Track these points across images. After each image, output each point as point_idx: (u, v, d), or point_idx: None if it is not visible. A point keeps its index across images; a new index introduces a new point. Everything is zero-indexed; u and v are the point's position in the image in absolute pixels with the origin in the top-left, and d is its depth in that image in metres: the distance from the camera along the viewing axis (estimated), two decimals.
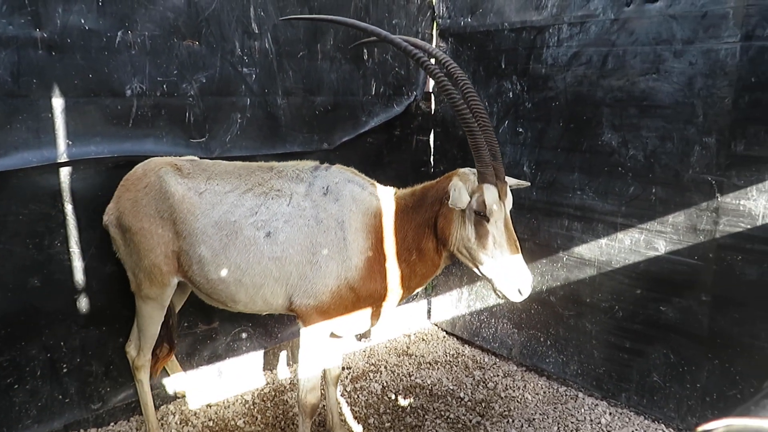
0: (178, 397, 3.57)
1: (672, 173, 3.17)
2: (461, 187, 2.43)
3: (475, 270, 2.55)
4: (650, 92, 3.19)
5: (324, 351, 2.88)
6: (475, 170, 2.52)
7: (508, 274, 2.41)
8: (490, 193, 2.40)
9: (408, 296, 2.89)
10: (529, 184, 2.93)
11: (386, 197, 2.77)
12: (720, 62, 2.92)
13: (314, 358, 2.80)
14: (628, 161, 3.34)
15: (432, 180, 2.77)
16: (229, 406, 3.56)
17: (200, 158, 3.15)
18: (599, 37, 3.38)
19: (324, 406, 3.38)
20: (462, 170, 2.61)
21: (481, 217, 2.42)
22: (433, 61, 2.79)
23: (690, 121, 3.06)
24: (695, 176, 3.08)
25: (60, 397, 3.07)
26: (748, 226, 2.92)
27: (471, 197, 2.43)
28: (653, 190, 3.26)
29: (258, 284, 2.72)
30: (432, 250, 2.66)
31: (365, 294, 2.72)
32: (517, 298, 2.44)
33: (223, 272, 2.72)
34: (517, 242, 2.49)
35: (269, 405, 3.61)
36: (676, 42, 3.07)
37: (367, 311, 2.80)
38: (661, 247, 3.27)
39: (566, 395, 3.79)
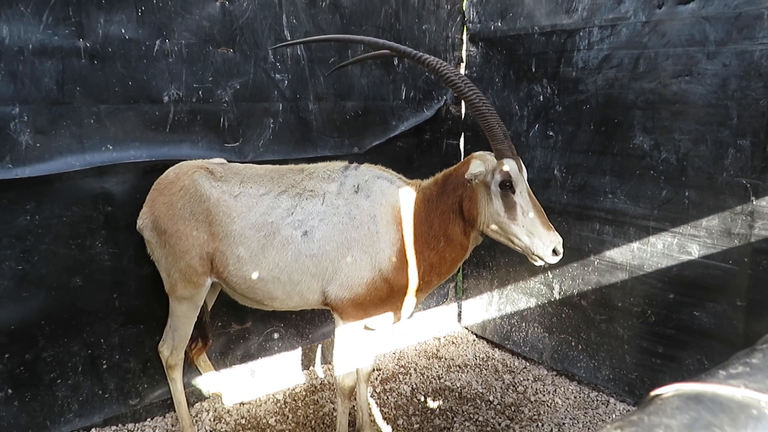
0: (212, 396, 3.66)
1: (705, 176, 3.12)
2: (478, 162, 2.59)
3: (508, 243, 2.65)
4: (683, 94, 3.16)
5: (360, 342, 2.96)
6: (488, 153, 2.69)
7: (541, 238, 2.52)
8: (511, 164, 2.55)
9: (439, 284, 2.98)
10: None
11: (413, 189, 2.88)
12: (755, 63, 2.88)
13: (350, 350, 2.92)
14: (660, 164, 3.30)
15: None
16: (261, 405, 3.64)
17: (228, 162, 3.23)
18: (630, 40, 3.35)
19: (354, 406, 3.43)
20: (478, 152, 2.75)
21: (507, 189, 2.55)
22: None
23: (724, 123, 3.02)
24: (729, 179, 3.03)
25: (100, 392, 3.18)
26: None
27: (494, 173, 2.57)
28: (686, 194, 3.21)
29: (295, 281, 2.82)
30: (459, 234, 2.75)
31: (398, 284, 2.81)
32: (554, 259, 2.55)
33: (262, 271, 2.81)
34: (542, 208, 2.60)
35: (300, 404, 3.68)
36: (710, 43, 3.03)
37: (400, 301, 2.90)
38: (695, 251, 3.22)
39: (597, 400, 3.76)
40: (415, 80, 4.25)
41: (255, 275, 2.83)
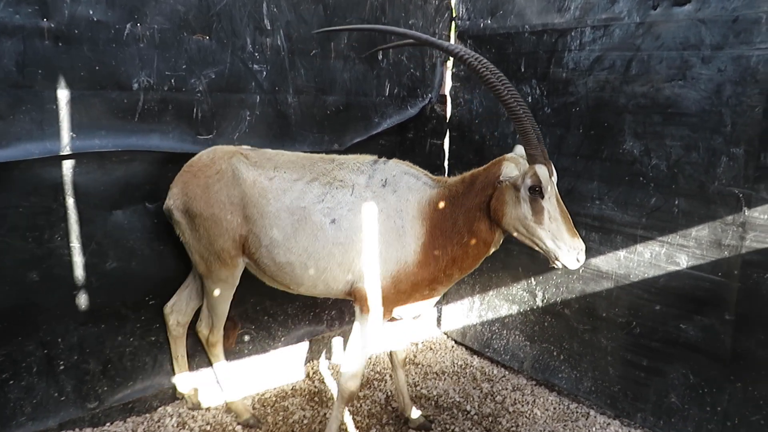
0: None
1: (696, 185, 3.02)
2: (512, 166, 2.62)
3: (533, 245, 2.66)
4: (676, 99, 3.05)
5: (374, 340, 2.97)
6: (518, 155, 2.73)
7: (567, 243, 2.54)
8: (542, 170, 2.54)
9: (461, 278, 3.00)
10: None
11: (438, 186, 2.91)
12: (751, 69, 2.77)
13: (364, 345, 2.94)
14: (650, 171, 3.19)
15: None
16: (228, 410, 3.47)
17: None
18: (623, 41, 3.24)
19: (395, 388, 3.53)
20: (510, 155, 2.79)
21: (536, 194, 2.55)
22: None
23: (717, 130, 2.91)
24: (721, 188, 2.93)
25: (56, 394, 3.00)
26: None
27: (524, 177, 2.57)
28: (676, 202, 3.11)
29: (322, 268, 2.87)
30: (484, 231, 2.78)
31: (422, 277, 2.85)
32: (576, 266, 2.57)
33: (292, 255, 2.87)
34: (568, 215, 2.59)
35: (269, 410, 3.52)
36: (705, 47, 2.92)
37: (424, 293, 2.95)
38: (683, 262, 3.12)
39: (577, 412, 3.64)
40: (399, 76, 4.11)
41: (285, 259, 2.89)
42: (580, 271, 3.60)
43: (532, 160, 2.57)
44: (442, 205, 2.85)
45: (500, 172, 2.62)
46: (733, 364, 2.98)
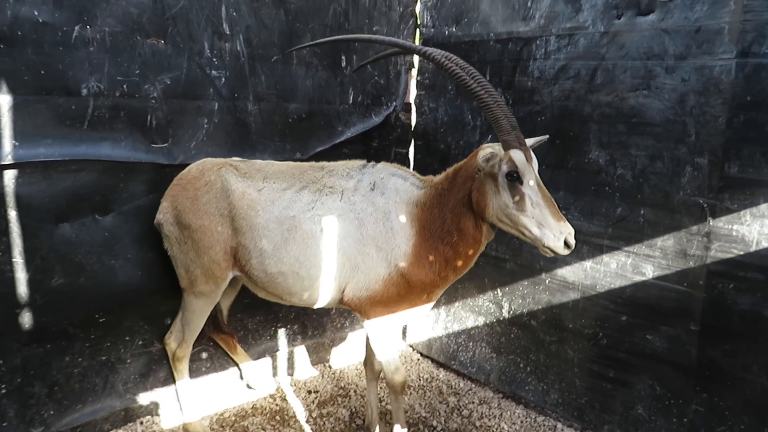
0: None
1: (662, 194, 3.01)
2: (489, 152, 2.54)
3: (520, 235, 2.59)
4: (640, 109, 3.04)
5: (395, 334, 3.00)
6: (496, 144, 2.64)
7: (552, 229, 2.45)
8: (517, 155, 2.49)
9: (456, 279, 2.95)
10: (547, 137, 2.91)
11: (426, 185, 2.89)
12: (714, 79, 2.78)
13: (387, 345, 2.95)
14: (615, 180, 3.17)
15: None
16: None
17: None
18: (588, 50, 3.23)
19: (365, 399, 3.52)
20: (486, 144, 2.73)
21: (514, 179, 2.49)
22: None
23: (681, 140, 2.91)
24: (686, 198, 2.92)
25: None
26: (741, 253, 2.76)
27: (500, 164, 2.52)
28: (641, 212, 3.09)
29: (314, 276, 2.86)
30: (471, 227, 2.72)
31: (415, 280, 2.81)
32: (565, 251, 2.47)
33: (283, 265, 2.87)
34: (553, 200, 2.50)
35: (228, 431, 3.36)
36: (669, 57, 2.92)
37: (421, 296, 2.91)
38: (649, 272, 3.10)
39: (544, 425, 3.59)
40: (363, 84, 4.03)
41: (276, 269, 2.88)
42: (547, 281, 3.57)
43: (506, 146, 2.53)
44: (429, 204, 2.81)
45: (477, 161, 2.58)
46: (698, 374, 2.97)
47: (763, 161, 2.65)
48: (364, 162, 3.03)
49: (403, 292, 2.83)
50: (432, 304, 3.05)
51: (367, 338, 3.17)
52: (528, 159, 2.52)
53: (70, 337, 2.96)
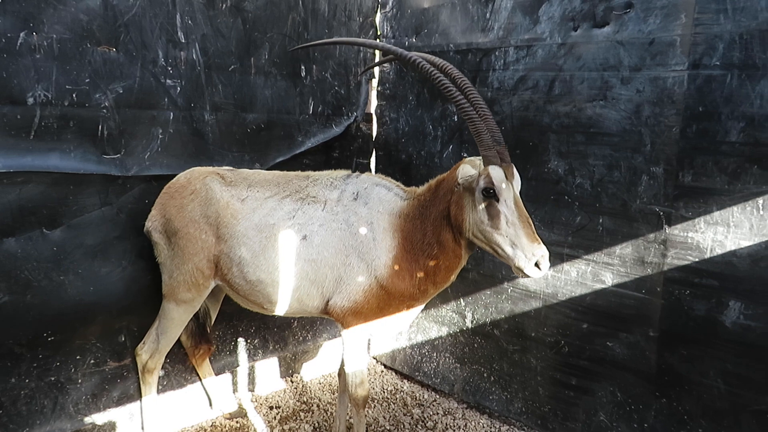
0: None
1: (619, 203, 3.05)
2: (468, 167, 2.55)
3: (494, 253, 2.56)
4: (597, 119, 3.09)
5: (365, 348, 3.01)
6: (478, 158, 2.62)
7: (524, 250, 2.41)
8: (496, 171, 2.47)
9: (436, 293, 2.93)
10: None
11: (409, 196, 2.89)
12: (667, 90, 2.84)
13: (358, 357, 2.95)
14: (574, 190, 3.21)
15: None
16: None
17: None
18: (546, 62, 3.26)
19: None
20: (469, 158, 2.73)
21: (490, 196, 2.46)
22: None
23: (637, 149, 2.96)
24: (643, 207, 2.97)
25: None
26: (696, 260, 2.82)
27: (478, 180, 2.49)
28: (600, 221, 3.13)
29: (293, 285, 2.86)
30: (451, 241, 2.70)
31: (395, 291, 2.80)
32: (536, 274, 2.43)
33: (262, 273, 2.87)
34: (530, 220, 2.48)
35: None
36: (624, 68, 2.97)
37: (400, 308, 2.89)
38: (608, 280, 3.14)
39: None
40: (323, 94, 3.99)
41: (255, 277, 2.88)
42: (509, 290, 3.58)
43: (486, 161, 2.51)
44: (412, 216, 2.80)
45: (456, 174, 2.57)
46: (658, 380, 3.00)
47: (715, 170, 2.71)
48: (348, 172, 3.04)
49: (382, 303, 2.82)
50: (414, 316, 3.05)
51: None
52: (509, 176, 2.50)
53: (16, 357, 2.81)
